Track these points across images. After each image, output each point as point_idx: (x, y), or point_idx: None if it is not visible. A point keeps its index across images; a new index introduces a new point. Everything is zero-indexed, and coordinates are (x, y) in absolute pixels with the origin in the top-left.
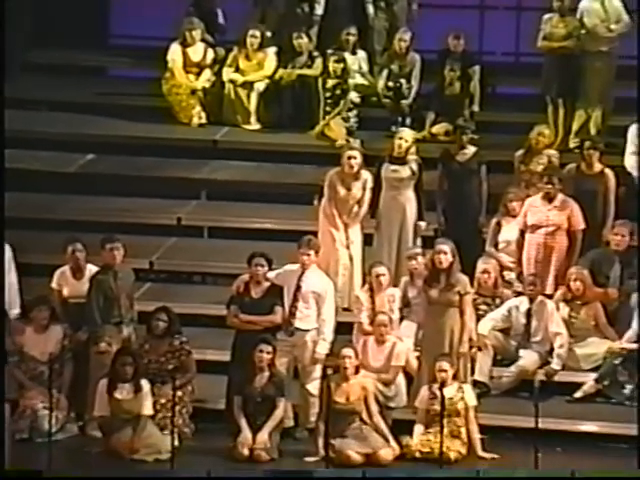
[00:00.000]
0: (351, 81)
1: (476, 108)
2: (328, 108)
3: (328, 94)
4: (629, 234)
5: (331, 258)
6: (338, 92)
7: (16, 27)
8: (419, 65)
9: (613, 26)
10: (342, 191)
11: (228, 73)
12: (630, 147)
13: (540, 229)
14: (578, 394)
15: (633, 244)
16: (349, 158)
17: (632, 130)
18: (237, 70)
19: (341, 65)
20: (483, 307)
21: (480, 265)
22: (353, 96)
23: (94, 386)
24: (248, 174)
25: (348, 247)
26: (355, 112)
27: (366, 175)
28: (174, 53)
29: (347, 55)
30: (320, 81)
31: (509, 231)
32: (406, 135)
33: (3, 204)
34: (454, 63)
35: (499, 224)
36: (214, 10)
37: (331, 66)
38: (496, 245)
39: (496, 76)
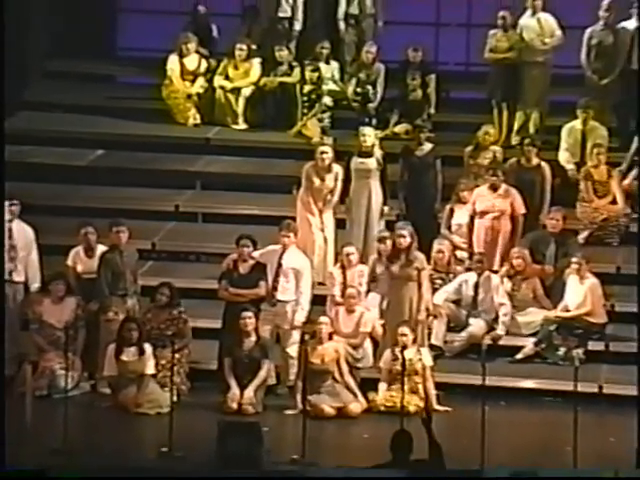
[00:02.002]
0: (325, 87)
1: (432, 110)
2: (305, 110)
3: (305, 98)
4: (562, 218)
5: (308, 239)
6: (313, 97)
7: (38, 40)
8: (383, 74)
9: (547, 40)
10: (317, 182)
11: (219, 80)
12: (563, 144)
13: (487, 214)
14: (519, 356)
15: (566, 227)
16: (321, 153)
17: (565, 129)
18: (227, 78)
19: (316, 74)
20: (438, 281)
21: (435, 245)
22: (327, 100)
23: (103, 350)
24: (237, 167)
25: (322, 230)
26: (328, 114)
27: (337, 168)
28: (172, 63)
29: (321, 65)
30: (298, 87)
31: (460, 216)
32: (367, 132)
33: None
34: (414, 72)
35: (452, 210)
36: (209, 25)
37: (308, 74)
38: (449, 228)
39: (449, 83)
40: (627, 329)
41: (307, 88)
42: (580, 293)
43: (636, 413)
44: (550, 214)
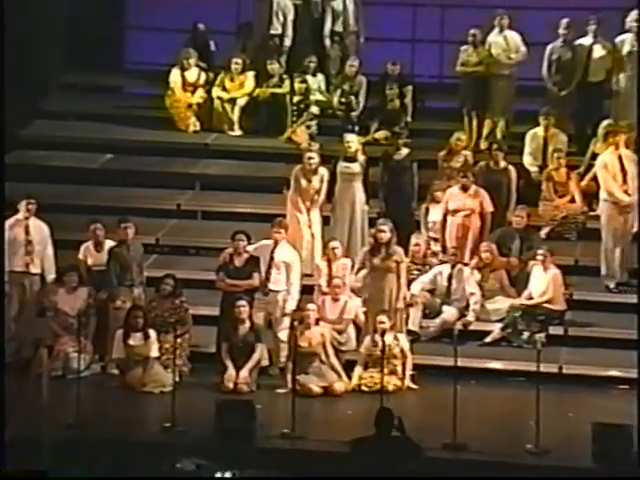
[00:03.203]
0: (312, 97)
1: (409, 118)
2: (294, 118)
3: (294, 108)
4: (526, 216)
5: (297, 235)
6: (302, 106)
7: (54, 55)
8: (365, 85)
9: (513, 55)
10: (304, 183)
11: (217, 91)
12: (527, 149)
13: (459, 212)
14: (487, 339)
15: (529, 224)
16: (308, 158)
17: (528, 135)
18: (224, 89)
19: (304, 85)
20: (415, 272)
21: (413, 240)
22: (314, 109)
23: (112, 335)
24: (233, 169)
25: (310, 227)
26: (315, 122)
27: (323, 171)
28: (174, 76)
29: (309, 77)
30: (288, 97)
31: (435, 214)
32: (350, 139)
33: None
34: (393, 84)
35: (427, 209)
36: (207, 42)
37: (296, 86)
38: (425, 225)
39: (424, 93)
40: (584, 315)
41: (296, 98)
42: (543, 282)
43: (594, 393)
44: (515, 212)
